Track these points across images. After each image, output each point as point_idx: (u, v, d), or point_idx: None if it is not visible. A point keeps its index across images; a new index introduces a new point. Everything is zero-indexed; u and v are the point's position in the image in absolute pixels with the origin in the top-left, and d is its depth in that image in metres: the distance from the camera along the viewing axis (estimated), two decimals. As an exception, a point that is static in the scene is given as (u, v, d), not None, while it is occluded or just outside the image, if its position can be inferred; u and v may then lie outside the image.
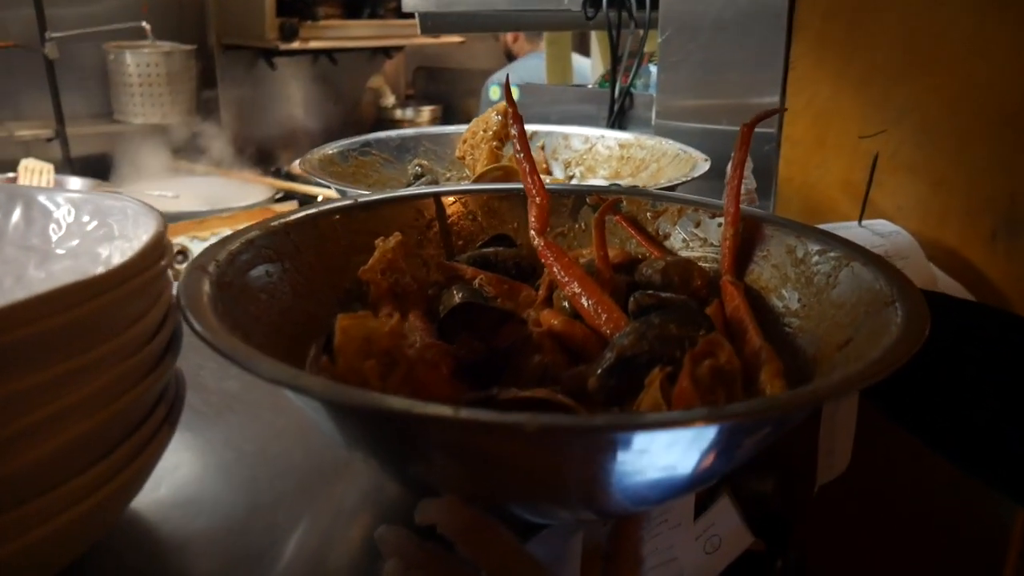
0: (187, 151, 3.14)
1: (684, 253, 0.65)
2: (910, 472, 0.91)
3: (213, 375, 0.70)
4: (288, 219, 0.59)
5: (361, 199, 0.65)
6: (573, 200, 0.69)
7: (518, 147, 0.60)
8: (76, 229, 0.54)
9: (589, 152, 1.04)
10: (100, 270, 0.38)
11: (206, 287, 0.46)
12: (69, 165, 2.90)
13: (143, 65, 3.14)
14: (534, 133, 1.08)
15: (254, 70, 3.59)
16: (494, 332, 0.52)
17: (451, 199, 0.68)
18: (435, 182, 0.90)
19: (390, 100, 4.04)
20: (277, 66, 3.60)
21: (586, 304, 0.54)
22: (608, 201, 0.63)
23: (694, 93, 1.06)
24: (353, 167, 0.95)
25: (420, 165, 0.93)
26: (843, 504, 0.92)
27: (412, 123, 3.84)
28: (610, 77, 1.19)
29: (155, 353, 0.42)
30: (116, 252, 0.49)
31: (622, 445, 0.33)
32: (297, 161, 0.84)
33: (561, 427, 0.31)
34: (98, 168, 2.87)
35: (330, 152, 0.93)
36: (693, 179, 0.80)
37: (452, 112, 4.00)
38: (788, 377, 0.48)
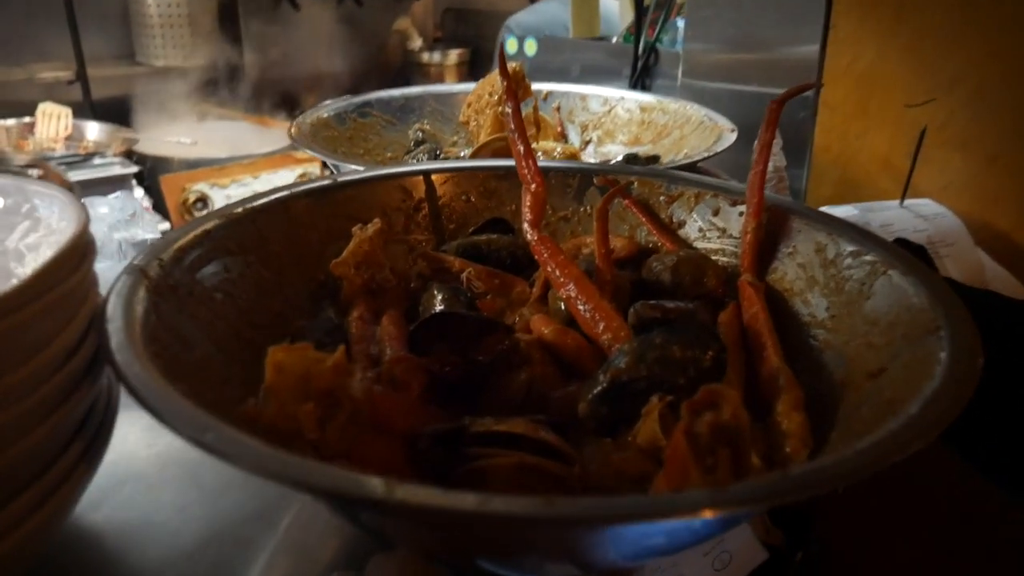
0: (208, 95, 3.09)
1: (700, 245, 0.58)
2: (938, 463, 0.84)
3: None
4: (254, 204, 0.53)
5: (340, 178, 0.58)
6: (578, 180, 0.62)
7: (512, 126, 0.53)
8: None
9: (608, 115, 0.96)
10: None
11: (140, 297, 0.40)
12: (90, 109, 2.85)
13: (164, 5, 3.08)
14: (549, 93, 1.00)
15: (277, 11, 3.49)
16: (476, 342, 0.46)
17: (442, 177, 0.62)
18: (436, 150, 0.83)
19: (417, 43, 3.92)
20: (301, 7, 3.50)
21: (582, 310, 0.48)
22: (615, 188, 0.56)
23: (724, 50, 0.97)
24: (351, 130, 0.88)
25: (422, 130, 0.86)
26: (866, 495, 0.86)
27: (440, 67, 3.73)
28: (634, 31, 1.10)
29: (73, 375, 0.36)
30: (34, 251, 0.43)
31: (593, 534, 0.27)
32: (290, 125, 0.77)
33: (513, 517, 0.25)
34: (118, 112, 2.83)
35: (325, 115, 0.86)
36: (717, 154, 0.72)
37: (481, 56, 3.87)
38: (809, 407, 0.42)
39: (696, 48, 0.99)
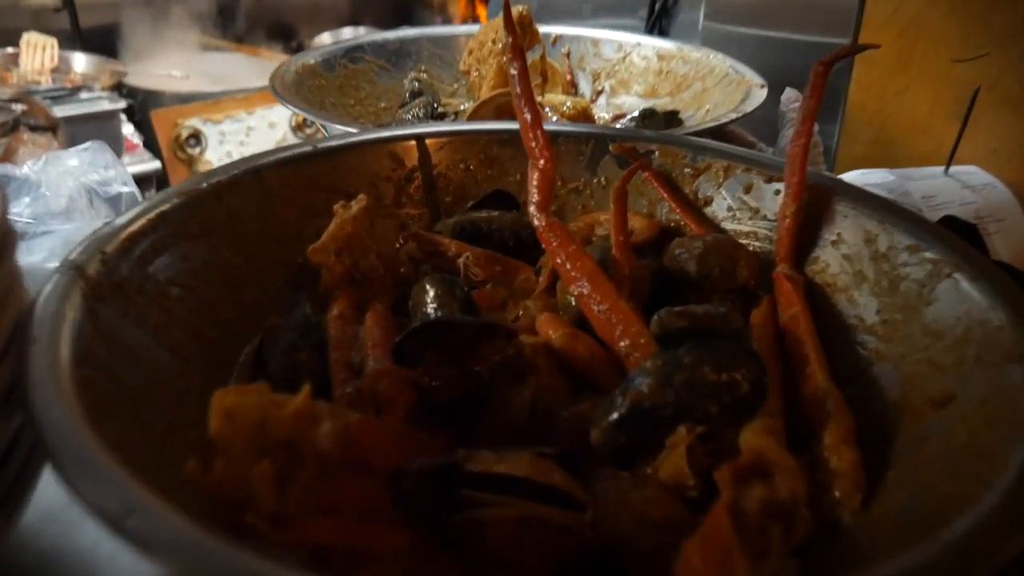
0: (201, 24, 2.96)
1: (729, 226, 0.51)
2: None
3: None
4: (220, 178, 0.46)
5: (321, 144, 0.51)
6: (592, 147, 0.55)
7: (518, 90, 0.45)
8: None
9: (622, 63, 0.88)
10: None
11: (74, 303, 0.34)
12: (78, 38, 2.73)
13: (155, -72, 2.92)
14: (558, 38, 0.91)
15: (274, -65, 3.33)
16: (472, 348, 0.39)
17: (438, 142, 0.55)
18: (434, 103, 0.76)
19: (419, -30, 3.75)
20: (297, -69, 3.34)
21: (597, 311, 0.41)
22: (636, 164, 0.49)
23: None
24: (340, 78, 0.81)
25: (418, 79, 0.78)
26: None
27: (443, -2, 3.57)
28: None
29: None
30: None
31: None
32: (270, 77, 0.70)
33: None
34: (107, 42, 2.71)
35: (312, 62, 0.78)
36: (745, 115, 0.65)
37: (486, -15, 3.71)
38: (862, 440, 0.36)
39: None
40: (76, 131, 1.93)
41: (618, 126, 0.75)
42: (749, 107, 0.65)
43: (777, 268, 0.47)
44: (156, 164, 2.13)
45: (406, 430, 0.35)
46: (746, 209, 0.51)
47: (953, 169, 0.70)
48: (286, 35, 3.13)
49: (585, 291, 0.42)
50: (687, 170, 0.53)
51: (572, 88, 0.89)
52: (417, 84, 0.76)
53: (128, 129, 2.23)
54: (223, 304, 0.43)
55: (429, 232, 0.51)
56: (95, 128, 2.03)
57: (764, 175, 0.50)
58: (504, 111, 0.67)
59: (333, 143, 0.52)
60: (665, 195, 0.52)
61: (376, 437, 0.34)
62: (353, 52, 0.83)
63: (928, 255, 0.41)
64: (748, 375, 0.35)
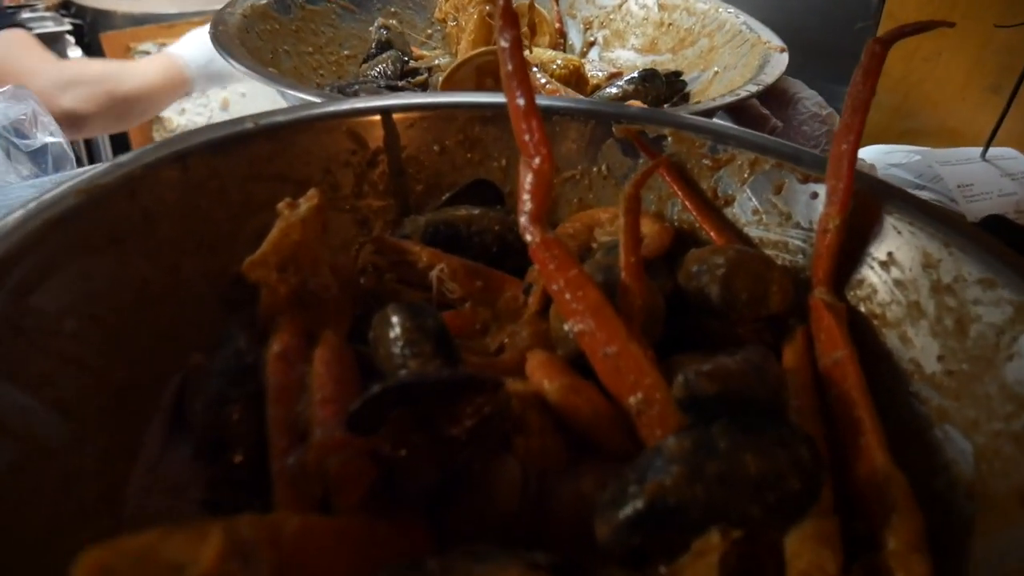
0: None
1: (753, 232, 0.43)
2: None
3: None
4: (132, 168, 0.37)
5: (262, 119, 0.42)
6: (592, 128, 0.46)
7: (509, 67, 0.36)
8: None
9: (618, 11, 0.78)
10: None
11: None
12: (19, -53, 2.51)
13: None
14: (546, -22, 0.81)
15: None
16: (447, 408, 0.31)
17: (408, 118, 0.45)
18: (404, 58, 0.66)
19: None
20: None
21: (603, 354, 0.33)
22: (652, 165, 0.41)
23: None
24: (297, 21, 0.70)
25: (386, 27, 0.68)
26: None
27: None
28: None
29: None
30: None
31: None
32: (211, 23, 0.59)
33: None
34: (51, -47, 2.49)
35: (262, 1, 0.67)
36: (767, 87, 0.56)
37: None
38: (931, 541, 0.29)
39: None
40: (16, 55, 1.78)
41: (613, 90, 0.66)
42: (769, 77, 0.56)
43: (814, 292, 0.39)
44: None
45: (362, 530, 0.28)
46: (775, 213, 0.43)
47: (991, 152, 0.62)
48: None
49: (588, 329, 0.34)
50: (705, 161, 0.44)
51: (561, 39, 0.79)
52: (385, 33, 0.66)
53: (75, 54, 2.07)
54: (135, 333, 0.34)
55: (395, 235, 0.43)
56: (36, 52, 1.87)
57: (799, 174, 0.42)
58: (487, 72, 0.58)
59: (279, 118, 0.42)
60: (680, 193, 0.44)
61: (323, 548, 0.26)
62: (312, -10, 0.72)
63: (1007, 294, 0.34)
64: (800, 468, 0.27)
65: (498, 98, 0.45)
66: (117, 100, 1.16)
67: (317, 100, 0.51)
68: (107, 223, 0.35)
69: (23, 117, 0.74)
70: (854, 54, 0.73)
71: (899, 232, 0.39)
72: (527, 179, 0.36)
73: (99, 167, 0.36)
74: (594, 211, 0.45)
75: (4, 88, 0.76)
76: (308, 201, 0.38)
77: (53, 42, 1.92)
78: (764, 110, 0.63)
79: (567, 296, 0.34)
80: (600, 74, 0.71)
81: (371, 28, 0.69)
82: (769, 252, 0.43)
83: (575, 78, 0.65)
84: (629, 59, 0.76)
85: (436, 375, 0.31)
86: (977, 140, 0.65)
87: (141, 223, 0.36)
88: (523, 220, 0.36)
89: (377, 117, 0.45)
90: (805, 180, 0.42)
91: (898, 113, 0.72)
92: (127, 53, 2.29)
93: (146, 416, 0.33)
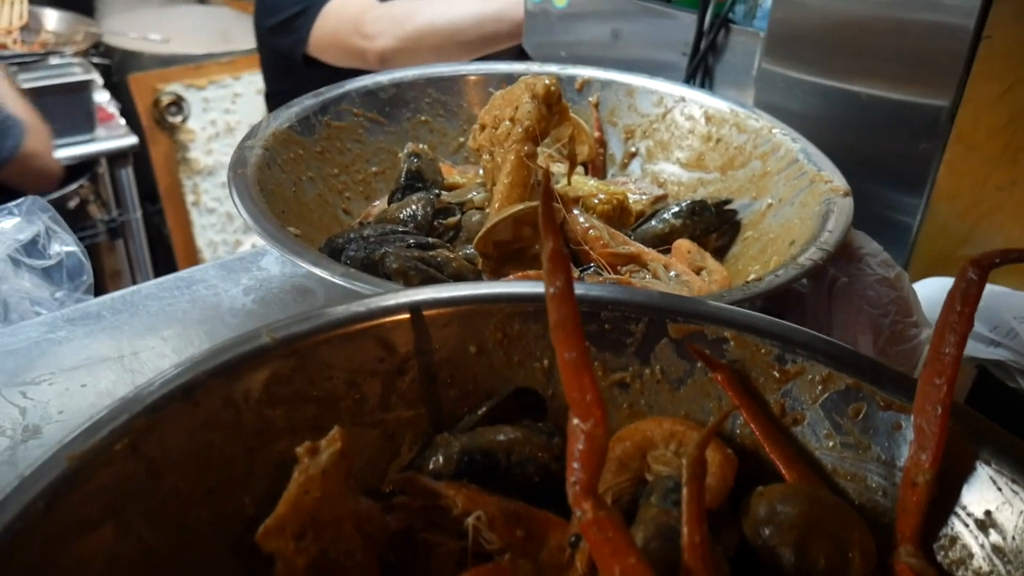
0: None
1: (826, 459, 0.39)
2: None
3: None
4: (133, 412, 0.33)
5: (279, 331, 0.38)
6: (644, 327, 0.42)
7: (559, 316, 0.32)
8: None
9: (662, 120, 0.74)
10: None
11: None
12: (50, -8, 2.53)
13: None
14: (585, 83, 0.76)
15: None
16: None
17: (441, 315, 0.41)
18: (436, 190, 0.62)
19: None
20: None
21: (663, 665, 0.29)
22: (721, 377, 0.36)
23: (825, 34, 0.73)
24: (322, 142, 0.66)
25: (416, 154, 0.64)
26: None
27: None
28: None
29: None
30: None
31: None
32: (229, 164, 0.55)
33: None
34: (80, -1, 2.50)
35: (285, 126, 0.63)
36: (830, 255, 0.51)
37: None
38: None
39: (786, 26, 0.75)
40: (44, 103, 1.77)
41: (659, 224, 0.61)
42: (834, 235, 0.51)
43: (899, 551, 0.34)
44: (133, 139, 1.96)
45: None
46: (851, 441, 0.38)
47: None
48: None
49: (647, 632, 0.29)
50: (774, 372, 0.40)
51: (601, 149, 0.74)
52: (416, 161, 0.62)
53: (103, 97, 2.05)
54: (134, 617, 0.30)
55: (425, 455, 0.39)
56: (64, 100, 1.85)
57: (880, 399, 0.38)
58: (524, 222, 0.53)
59: (297, 328, 0.38)
60: (743, 411, 0.39)
61: None
62: (338, 104, 0.68)
63: None
64: None
65: (539, 288, 0.41)
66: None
67: (332, 277, 0.47)
68: (104, 491, 0.31)
69: (36, 236, 0.72)
70: (917, 175, 0.69)
71: (999, 488, 0.34)
72: (578, 444, 0.32)
73: (95, 420, 0.32)
74: (648, 425, 0.40)
75: (20, 201, 0.74)
76: (330, 446, 0.34)
77: (80, 91, 1.91)
78: (869, 246, 0.57)
79: (622, 589, 0.30)
80: (643, 198, 0.66)
81: (400, 154, 0.65)
82: (844, 485, 0.38)
83: (618, 212, 0.61)
84: (674, 174, 0.72)
85: None
86: (1056, 282, 0.60)
87: (144, 481, 0.32)
88: (573, 492, 0.32)
89: (406, 316, 0.40)
90: (887, 407, 0.37)
91: (966, 243, 0.67)
92: (154, 94, 2.29)
93: None
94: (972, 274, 0.35)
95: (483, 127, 0.60)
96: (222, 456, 0.35)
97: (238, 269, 0.69)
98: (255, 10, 1.44)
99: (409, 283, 0.50)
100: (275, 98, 1.51)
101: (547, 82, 0.57)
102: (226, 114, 2.36)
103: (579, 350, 0.32)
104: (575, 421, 0.32)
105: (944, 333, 0.35)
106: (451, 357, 0.41)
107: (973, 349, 0.58)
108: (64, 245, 0.75)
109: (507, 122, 0.57)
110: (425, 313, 0.41)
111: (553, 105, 0.58)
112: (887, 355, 0.52)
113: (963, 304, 0.35)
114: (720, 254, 0.64)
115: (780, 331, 0.40)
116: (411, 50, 1.20)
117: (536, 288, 0.42)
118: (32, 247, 0.73)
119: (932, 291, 0.64)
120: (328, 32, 1.25)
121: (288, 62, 1.33)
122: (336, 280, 0.46)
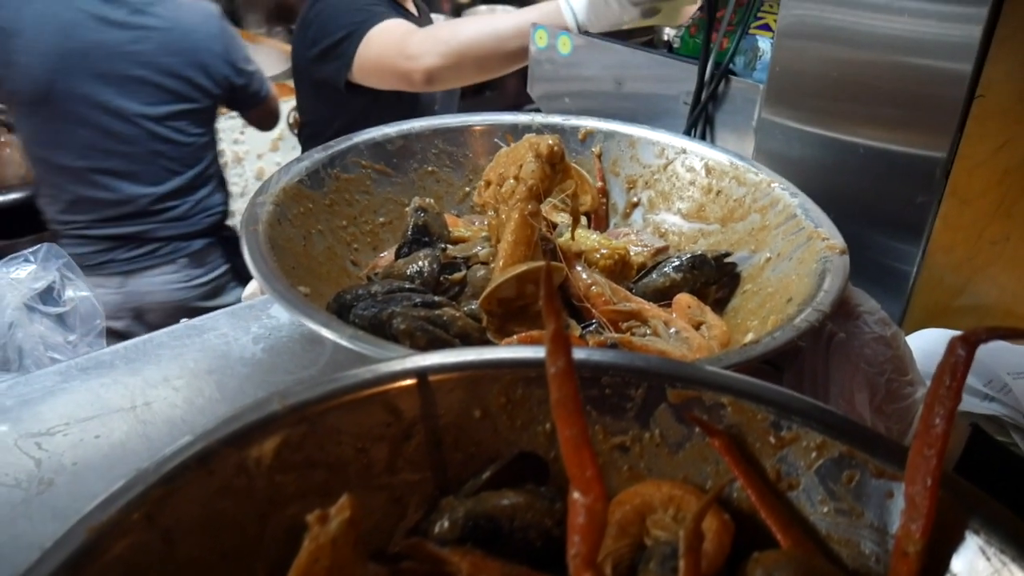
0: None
1: (820, 523, 0.40)
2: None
3: None
4: (150, 482, 0.34)
5: (288, 399, 0.39)
6: (644, 392, 0.43)
7: (559, 394, 0.33)
8: None
9: (663, 171, 0.75)
10: None
11: None
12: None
13: None
14: (588, 134, 0.78)
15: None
16: None
17: (446, 382, 0.43)
18: (442, 244, 0.63)
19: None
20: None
21: None
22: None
23: (824, 86, 0.75)
24: (331, 194, 0.68)
25: (423, 208, 0.65)
26: None
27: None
28: (702, 36, 0.87)
29: None
30: None
31: None
32: (241, 219, 0.57)
33: None
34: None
35: (295, 181, 0.65)
36: (826, 316, 0.52)
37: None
38: None
39: (786, 77, 0.77)
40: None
41: (659, 278, 0.63)
42: (830, 295, 0.53)
43: (892, 621, 0.35)
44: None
45: None
46: (845, 508, 0.39)
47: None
48: (286, 17, 2.96)
49: None
50: (771, 438, 0.41)
51: (603, 198, 0.76)
52: (423, 215, 0.64)
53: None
54: None
55: (431, 519, 0.40)
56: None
57: (872, 467, 0.39)
58: (528, 279, 0.55)
59: (307, 395, 0.40)
60: (740, 479, 0.40)
61: None
62: (345, 156, 0.70)
63: None
64: None
65: (541, 353, 0.42)
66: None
67: (341, 340, 0.48)
68: (122, 562, 0.32)
69: (52, 283, 0.73)
70: (914, 226, 0.70)
71: (988, 558, 0.35)
72: (579, 518, 0.33)
73: (112, 492, 0.34)
74: (647, 489, 0.41)
75: (36, 248, 0.75)
76: (339, 514, 0.35)
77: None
78: (867, 305, 0.58)
79: (622, 663, 0.31)
80: (644, 250, 0.68)
81: (407, 209, 0.67)
82: (838, 551, 0.39)
83: (620, 267, 0.63)
84: (675, 224, 0.73)
85: None
86: (1050, 337, 0.61)
87: (160, 550, 0.34)
88: (575, 564, 0.33)
89: (413, 381, 0.42)
90: (879, 475, 0.38)
91: (962, 294, 0.68)
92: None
93: None
94: (961, 350, 0.36)
95: (488, 184, 0.61)
96: (235, 523, 0.37)
97: (248, 317, 0.70)
98: (294, 45, 1.47)
99: (416, 344, 0.51)
100: (311, 127, 1.55)
101: (550, 143, 0.59)
102: (235, 144, 2.39)
103: (579, 427, 0.33)
104: (575, 495, 0.33)
105: (933, 406, 0.36)
106: (456, 421, 0.43)
107: (968, 404, 0.59)
108: (78, 291, 0.76)
109: (511, 180, 0.59)
110: (431, 378, 0.42)
111: (556, 164, 0.59)
112: (883, 413, 0.53)
113: (952, 379, 0.36)
114: (720, 306, 0.66)
115: (776, 397, 0.42)
116: (455, 66, 1.22)
117: (539, 353, 0.44)
118: (47, 294, 0.75)
119: (928, 343, 0.65)
120: (373, 56, 1.28)
121: (330, 90, 1.36)
122: (344, 343, 0.47)
